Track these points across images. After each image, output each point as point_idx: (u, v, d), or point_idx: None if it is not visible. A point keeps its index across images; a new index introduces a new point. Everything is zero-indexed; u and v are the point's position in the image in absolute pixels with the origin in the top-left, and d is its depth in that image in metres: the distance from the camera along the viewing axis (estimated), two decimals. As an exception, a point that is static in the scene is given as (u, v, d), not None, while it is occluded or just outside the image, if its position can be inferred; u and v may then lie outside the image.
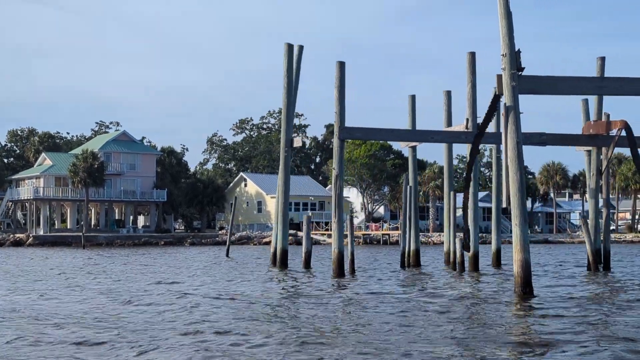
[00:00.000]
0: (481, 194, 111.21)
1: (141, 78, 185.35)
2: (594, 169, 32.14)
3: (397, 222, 79.69)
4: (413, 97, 36.16)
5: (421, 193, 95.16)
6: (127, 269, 35.68)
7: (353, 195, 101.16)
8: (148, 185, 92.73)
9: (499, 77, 20.83)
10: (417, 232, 36.01)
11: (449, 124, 35.41)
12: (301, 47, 37.05)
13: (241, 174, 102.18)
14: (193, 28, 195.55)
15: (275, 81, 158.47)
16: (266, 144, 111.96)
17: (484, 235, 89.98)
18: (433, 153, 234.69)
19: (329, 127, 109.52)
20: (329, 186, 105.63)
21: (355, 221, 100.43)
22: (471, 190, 30.77)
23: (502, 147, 20.83)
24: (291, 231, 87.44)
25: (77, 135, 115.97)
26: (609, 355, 11.85)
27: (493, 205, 33.27)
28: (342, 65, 29.90)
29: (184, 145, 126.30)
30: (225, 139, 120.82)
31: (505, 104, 20.58)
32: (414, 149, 36.20)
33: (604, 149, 31.87)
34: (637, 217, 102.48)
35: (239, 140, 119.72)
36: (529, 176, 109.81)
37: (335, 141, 29.65)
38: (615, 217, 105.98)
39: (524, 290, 19.93)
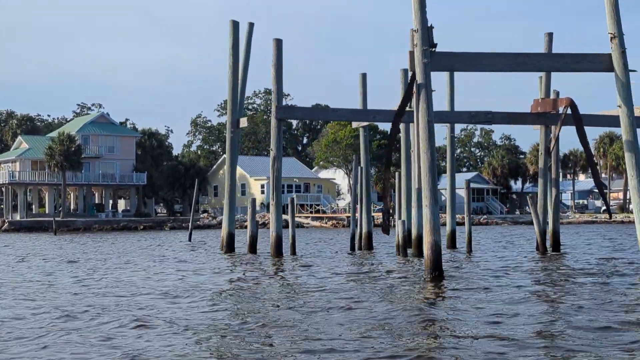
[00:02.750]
0: (471, 174, 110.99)
1: (124, 59, 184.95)
2: (542, 148, 31.95)
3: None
4: (364, 76, 35.89)
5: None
6: (62, 253, 35.70)
7: (339, 177, 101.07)
8: (128, 169, 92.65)
9: (411, 53, 20.61)
10: (369, 214, 35.94)
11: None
12: (251, 25, 36.79)
13: (224, 156, 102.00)
14: (182, 7, 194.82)
15: (261, 61, 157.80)
16: (251, 125, 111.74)
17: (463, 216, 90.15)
18: None
19: (315, 106, 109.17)
20: (315, 168, 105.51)
21: (342, 203, 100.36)
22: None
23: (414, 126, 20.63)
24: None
25: (58, 118, 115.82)
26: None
27: (403, 186, 32.81)
28: (279, 43, 29.71)
29: (168, 127, 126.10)
30: (210, 120, 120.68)
31: (416, 81, 20.39)
32: (365, 129, 35.97)
33: (553, 127, 31.67)
34: (628, 197, 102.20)
35: (223, 122, 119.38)
36: (520, 156, 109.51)
37: (272, 121, 29.52)
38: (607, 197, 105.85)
39: (432, 273, 19.82)
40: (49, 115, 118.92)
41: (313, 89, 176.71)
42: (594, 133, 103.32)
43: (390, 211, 32.93)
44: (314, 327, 12.92)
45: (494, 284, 19.35)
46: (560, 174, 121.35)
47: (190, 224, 50.99)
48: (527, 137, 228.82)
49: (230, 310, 15.42)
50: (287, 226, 32.18)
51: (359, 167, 35.65)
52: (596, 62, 21.62)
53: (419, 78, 20.28)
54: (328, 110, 30.16)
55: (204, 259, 30.85)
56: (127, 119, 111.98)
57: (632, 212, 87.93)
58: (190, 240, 48.97)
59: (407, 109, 31.66)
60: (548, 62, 21.39)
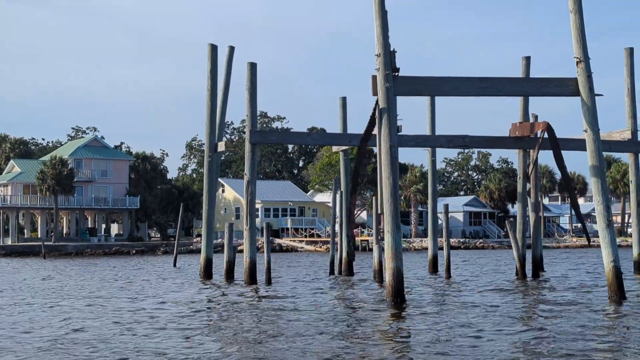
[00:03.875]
0: (467, 198, 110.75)
1: (120, 82, 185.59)
2: (521, 172, 31.84)
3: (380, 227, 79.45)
4: (344, 100, 35.88)
5: (402, 197, 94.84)
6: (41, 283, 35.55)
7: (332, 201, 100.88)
8: (120, 192, 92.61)
9: (374, 78, 20.59)
10: (348, 239, 35.76)
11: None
12: (232, 49, 36.86)
13: (218, 179, 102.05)
14: (176, 29, 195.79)
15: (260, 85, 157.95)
16: (243, 149, 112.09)
17: (462, 239, 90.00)
18: (416, 156, 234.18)
19: (312, 130, 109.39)
20: (310, 191, 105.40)
21: (338, 227, 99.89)
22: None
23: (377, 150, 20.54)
24: (260, 238, 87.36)
25: (52, 141, 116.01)
26: None
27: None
28: (253, 67, 29.71)
29: (163, 151, 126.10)
30: (205, 144, 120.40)
31: (378, 105, 20.35)
32: (345, 152, 35.89)
33: (531, 151, 31.56)
34: (627, 220, 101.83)
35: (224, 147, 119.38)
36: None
37: (246, 145, 29.45)
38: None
39: (394, 300, 19.66)
40: (43, 139, 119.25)
41: (311, 112, 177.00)
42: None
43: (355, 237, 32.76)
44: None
45: (454, 313, 19.16)
46: (559, 197, 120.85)
47: (175, 249, 50.74)
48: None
49: (170, 335, 15.26)
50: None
51: (339, 191, 35.54)
52: (562, 87, 21.59)
53: (382, 102, 20.23)
54: (303, 135, 30.10)
55: (160, 289, 30.63)
56: (122, 142, 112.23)
57: (630, 236, 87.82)
58: (175, 265, 48.70)
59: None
60: (513, 86, 21.33)
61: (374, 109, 22.28)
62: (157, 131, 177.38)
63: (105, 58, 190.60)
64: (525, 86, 21.74)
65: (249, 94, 29.35)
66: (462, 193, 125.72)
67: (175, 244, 51.18)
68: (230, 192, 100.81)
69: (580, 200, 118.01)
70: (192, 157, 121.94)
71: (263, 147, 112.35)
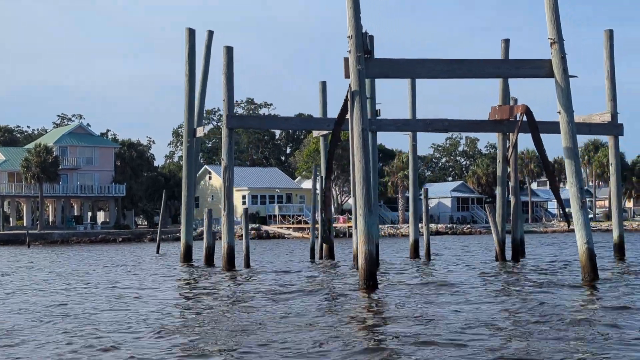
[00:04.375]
0: (455, 184, 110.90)
1: (107, 69, 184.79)
2: (500, 156, 31.81)
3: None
4: (323, 84, 35.77)
5: (390, 183, 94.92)
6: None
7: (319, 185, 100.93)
8: (106, 180, 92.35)
9: (346, 60, 20.45)
10: (323, 223, 35.71)
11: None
12: (211, 33, 36.69)
13: (205, 166, 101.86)
14: (164, 17, 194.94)
15: (243, 70, 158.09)
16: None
17: (454, 225, 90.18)
18: (404, 142, 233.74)
19: (298, 116, 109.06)
20: (298, 178, 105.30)
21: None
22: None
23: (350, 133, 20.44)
24: (254, 225, 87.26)
25: (37, 129, 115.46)
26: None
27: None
28: (229, 51, 29.52)
29: (150, 138, 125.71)
30: (209, 129, 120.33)
31: (350, 88, 20.23)
32: (325, 137, 35.80)
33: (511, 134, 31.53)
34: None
35: (205, 132, 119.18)
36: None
37: (223, 130, 29.32)
38: (592, 206, 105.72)
39: (367, 283, 19.61)
40: (28, 127, 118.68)
41: (299, 99, 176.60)
42: (579, 141, 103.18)
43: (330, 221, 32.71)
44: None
45: (425, 296, 19.13)
46: (548, 182, 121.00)
47: (157, 236, 50.58)
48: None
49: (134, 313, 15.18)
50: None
51: (319, 177, 35.46)
52: (537, 68, 21.53)
53: (353, 85, 20.10)
54: (280, 119, 29.99)
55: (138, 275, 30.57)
56: (108, 130, 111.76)
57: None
58: (158, 252, 48.60)
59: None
60: (488, 68, 21.24)
61: (347, 93, 22.18)
62: (144, 118, 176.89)
63: (93, 47, 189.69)
64: (500, 68, 21.67)
65: (225, 78, 29.17)
66: (450, 179, 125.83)
67: (158, 231, 51.04)
68: (217, 179, 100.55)
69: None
70: (178, 144, 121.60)
71: (250, 133, 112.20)
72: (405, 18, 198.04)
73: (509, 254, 31.42)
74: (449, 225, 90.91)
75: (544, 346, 11.61)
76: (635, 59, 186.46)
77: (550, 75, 21.26)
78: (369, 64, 20.36)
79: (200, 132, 34.40)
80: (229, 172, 29.25)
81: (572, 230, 70.87)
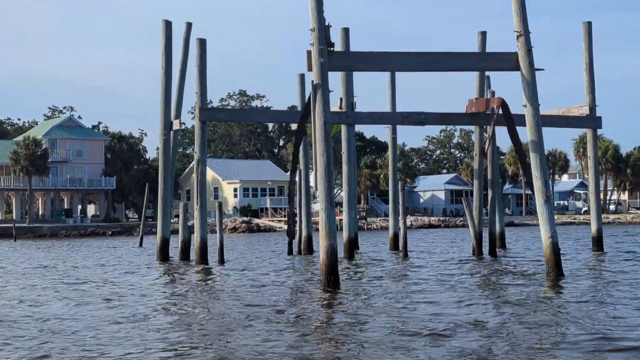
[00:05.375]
0: (449, 176, 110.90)
1: (99, 61, 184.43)
2: (477, 149, 31.80)
3: (360, 206, 79.40)
4: (302, 77, 35.77)
5: (382, 176, 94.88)
6: None
7: (314, 179, 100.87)
8: (96, 173, 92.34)
9: (309, 53, 20.41)
10: (308, 218, 35.79)
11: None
12: (189, 25, 36.56)
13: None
14: (157, 8, 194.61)
15: (235, 61, 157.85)
16: (225, 128, 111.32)
17: (447, 218, 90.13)
18: (399, 134, 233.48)
19: (291, 108, 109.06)
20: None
21: (317, 206, 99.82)
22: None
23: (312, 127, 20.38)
24: (245, 218, 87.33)
25: (28, 122, 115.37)
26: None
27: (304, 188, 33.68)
28: (202, 43, 29.49)
29: (142, 130, 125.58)
30: (184, 123, 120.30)
31: (312, 81, 20.20)
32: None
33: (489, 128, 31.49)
34: (609, 197, 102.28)
35: (185, 125, 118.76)
36: (501, 157, 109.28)
37: (196, 123, 29.32)
38: (588, 198, 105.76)
39: (328, 278, 19.60)
40: (19, 119, 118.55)
41: (290, 88, 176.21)
42: (574, 133, 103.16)
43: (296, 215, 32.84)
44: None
45: (389, 289, 19.14)
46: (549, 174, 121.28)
47: (140, 230, 50.67)
48: (508, 137, 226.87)
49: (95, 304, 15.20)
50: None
51: (298, 170, 35.46)
52: (502, 61, 21.50)
53: (316, 78, 20.06)
54: (254, 112, 30.06)
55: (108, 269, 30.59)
56: (99, 122, 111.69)
57: (610, 213, 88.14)
58: (141, 245, 48.66)
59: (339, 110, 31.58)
60: (452, 61, 21.18)
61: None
62: (137, 111, 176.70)
63: (86, 38, 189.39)
64: (465, 61, 21.59)
65: (198, 70, 29.15)
66: (444, 171, 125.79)
67: (141, 225, 51.16)
68: (208, 172, 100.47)
69: (564, 177, 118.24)
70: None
71: (242, 126, 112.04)
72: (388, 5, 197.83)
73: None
74: (441, 218, 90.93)
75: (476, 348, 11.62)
76: (634, 48, 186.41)
77: (517, 68, 21.22)
78: (331, 57, 20.31)
79: (177, 124, 34.36)
80: (201, 166, 29.26)
81: (567, 223, 70.37)
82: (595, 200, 31.85)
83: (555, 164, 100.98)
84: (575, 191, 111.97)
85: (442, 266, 26.82)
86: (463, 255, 32.65)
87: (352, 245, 31.65)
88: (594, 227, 32.04)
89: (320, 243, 19.80)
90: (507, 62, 21.38)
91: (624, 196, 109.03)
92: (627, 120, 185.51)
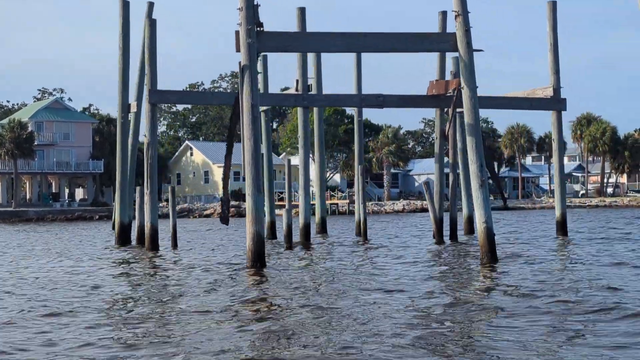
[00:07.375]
0: (445, 159, 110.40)
1: (90, 43, 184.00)
2: (438, 131, 31.52)
3: (352, 190, 79.13)
4: (265, 57, 35.43)
5: (375, 160, 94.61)
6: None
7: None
8: (84, 156, 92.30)
9: (237, 33, 20.13)
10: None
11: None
12: (151, 5, 36.20)
13: (186, 142, 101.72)
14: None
15: (229, 43, 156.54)
16: (217, 110, 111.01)
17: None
18: (389, 117, 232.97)
19: (285, 90, 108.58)
20: (282, 154, 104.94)
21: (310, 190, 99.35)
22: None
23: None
24: (234, 203, 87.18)
25: (17, 104, 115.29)
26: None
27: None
28: (152, 23, 29.25)
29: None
30: (175, 105, 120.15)
31: (240, 62, 19.93)
32: (266, 113, 35.55)
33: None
34: (606, 180, 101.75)
35: (189, 106, 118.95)
36: (498, 140, 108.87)
37: (145, 105, 29.10)
38: (585, 181, 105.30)
39: (255, 265, 19.46)
40: (8, 101, 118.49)
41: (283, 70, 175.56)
42: (571, 115, 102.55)
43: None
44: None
45: (316, 275, 18.95)
46: (542, 157, 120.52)
47: (113, 214, 50.32)
48: (505, 119, 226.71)
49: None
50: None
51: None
52: (440, 42, 21.25)
53: (244, 59, 19.80)
54: (207, 94, 30.02)
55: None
56: (90, 105, 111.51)
57: (608, 196, 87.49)
58: (114, 229, 48.50)
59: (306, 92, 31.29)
60: (386, 42, 20.83)
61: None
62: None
63: (77, 20, 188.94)
64: (402, 42, 21.23)
65: (148, 51, 28.92)
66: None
67: (114, 208, 50.72)
68: (198, 155, 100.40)
69: (564, 160, 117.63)
70: (161, 119, 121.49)
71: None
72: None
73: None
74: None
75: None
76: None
77: (455, 49, 20.90)
78: (260, 37, 20.02)
79: (134, 107, 34.14)
80: (152, 149, 29.09)
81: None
82: (559, 185, 31.53)
83: (550, 146, 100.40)
84: (574, 174, 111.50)
85: (390, 251, 26.63)
86: (423, 242, 32.43)
87: (309, 230, 31.50)
88: (558, 212, 31.74)
89: (247, 229, 19.64)
90: (445, 43, 21.10)
91: (622, 179, 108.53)
92: (625, 103, 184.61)
